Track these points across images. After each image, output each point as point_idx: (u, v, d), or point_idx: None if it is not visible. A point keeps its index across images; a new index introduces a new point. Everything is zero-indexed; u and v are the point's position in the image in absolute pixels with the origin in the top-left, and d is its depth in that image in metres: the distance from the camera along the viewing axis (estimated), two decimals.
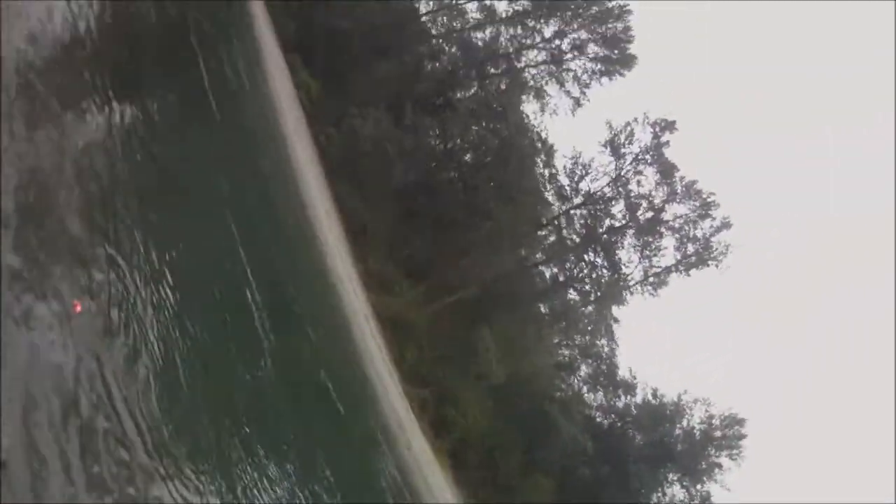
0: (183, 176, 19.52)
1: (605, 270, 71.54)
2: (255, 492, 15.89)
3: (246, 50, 39.09)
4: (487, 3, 74.66)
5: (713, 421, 74.40)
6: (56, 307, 9.47)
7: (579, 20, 73.24)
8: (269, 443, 18.30)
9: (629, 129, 70.72)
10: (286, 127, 45.25)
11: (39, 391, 8.56)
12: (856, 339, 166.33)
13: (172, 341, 13.80)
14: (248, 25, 44.43)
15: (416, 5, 75.28)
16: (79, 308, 10.16)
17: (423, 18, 75.52)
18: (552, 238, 73.49)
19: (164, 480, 10.98)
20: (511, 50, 74.78)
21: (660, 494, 73.84)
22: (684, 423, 74.92)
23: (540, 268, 74.30)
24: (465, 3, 75.34)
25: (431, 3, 76.25)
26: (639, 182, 70.84)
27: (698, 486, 73.67)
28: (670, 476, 73.81)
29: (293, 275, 32.44)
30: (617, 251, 70.95)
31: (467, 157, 69.10)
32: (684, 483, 73.92)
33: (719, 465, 73.23)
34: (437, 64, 74.46)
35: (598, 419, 76.35)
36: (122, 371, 10.98)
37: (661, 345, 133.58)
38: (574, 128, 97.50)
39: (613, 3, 72.40)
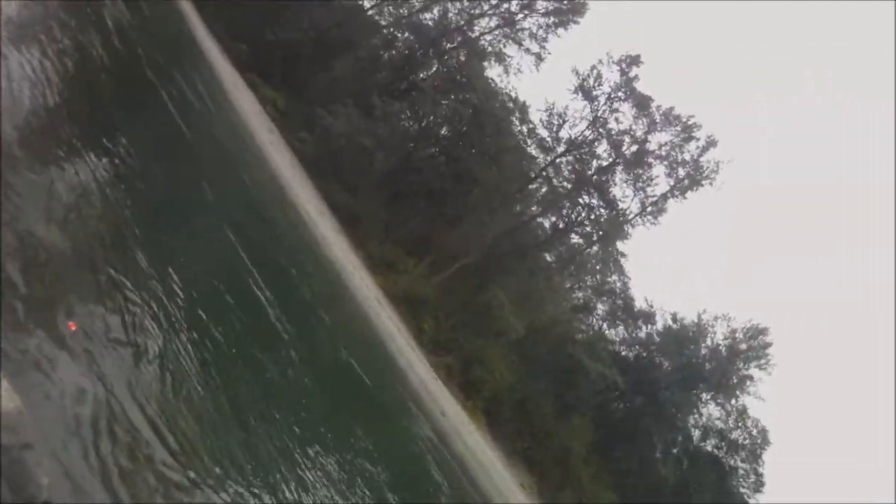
0: (171, 197, 20.83)
1: (602, 210, 72.10)
2: (301, 470, 16.77)
3: (203, 76, 40.14)
4: None
5: (736, 335, 74.93)
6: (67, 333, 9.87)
7: None
8: (303, 423, 19.39)
9: (596, 71, 71.47)
10: (259, 138, 46.85)
11: (66, 423, 8.78)
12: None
13: (194, 349, 14.63)
14: (199, 54, 45.60)
15: (360, 2, 75.93)
16: (73, 328, 10.31)
17: (370, 12, 75.94)
18: (544, 189, 74.24)
19: (208, 487, 11.32)
20: (462, 22, 74.56)
21: (696, 415, 74.56)
22: (708, 341, 75.58)
23: (538, 220, 74.83)
24: None
25: None
26: (617, 119, 71.54)
27: (732, 402, 74.26)
28: (703, 396, 74.35)
29: (298, 270, 33.64)
30: (610, 189, 71.64)
31: (443, 131, 69.71)
32: (718, 400, 74.52)
33: (750, 377, 73.56)
34: (394, 52, 75.43)
35: (624, 353, 76.90)
36: (150, 385, 11.63)
37: (672, 268, 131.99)
38: (543, 82, 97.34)
39: None
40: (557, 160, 72.63)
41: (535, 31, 73.74)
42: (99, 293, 12.11)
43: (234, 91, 49.06)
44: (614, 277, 78.87)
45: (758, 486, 72.51)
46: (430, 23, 75.12)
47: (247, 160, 38.69)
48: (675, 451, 73.04)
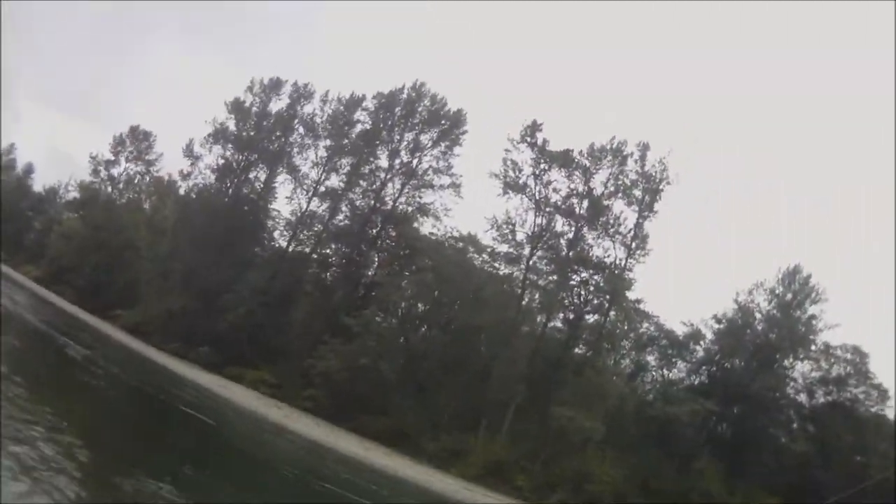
0: None
1: (595, 277, 70.92)
2: None
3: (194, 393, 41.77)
4: (321, 188, 78.06)
5: (776, 291, 74.52)
6: None
7: (397, 128, 76.73)
8: None
9: (509, 161, 71.30)
10: (276, 419, 48.33)
11: None
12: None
13: None
14: (175, 376, 48.98)
15: (275, 244, 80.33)
16: None
17: (290, 248, 78.35)
18: (537, 296, 73.20)
19: None
20: (372, 202, 76.80)
21: (794, 383, 72.67)
22: (757, 315, 74.76)
23: (549, 325, 72.68)
24: (306, 205, 78.51)
25: (285, 232, 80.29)
26: (554, 189, 71.79)
27: (812, 348, 72.39)
28: (786, 363, 72.31)
29: None
30: (591, 253, 71.07)
31: (420, 306, 71.19)
32: (801, 357, 72.23)
33: (812, 317, 72.52)
34: (333, 268, 77.29)
35: (696, 380, 75.21)
36: None
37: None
38: (477, 199, 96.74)
39: (405, 93, 76.29)
40: (530, 262, 71.54)
41: (435, 164, 75.88)
42: None
43: (223, 391, 51.85)
44: (645, 325, 77.28)
45: (882, 396, 69.87)
46: (345, 220, 77.14)
47: (274, 444, 39.60)
48: (794, 425, 71.48)
